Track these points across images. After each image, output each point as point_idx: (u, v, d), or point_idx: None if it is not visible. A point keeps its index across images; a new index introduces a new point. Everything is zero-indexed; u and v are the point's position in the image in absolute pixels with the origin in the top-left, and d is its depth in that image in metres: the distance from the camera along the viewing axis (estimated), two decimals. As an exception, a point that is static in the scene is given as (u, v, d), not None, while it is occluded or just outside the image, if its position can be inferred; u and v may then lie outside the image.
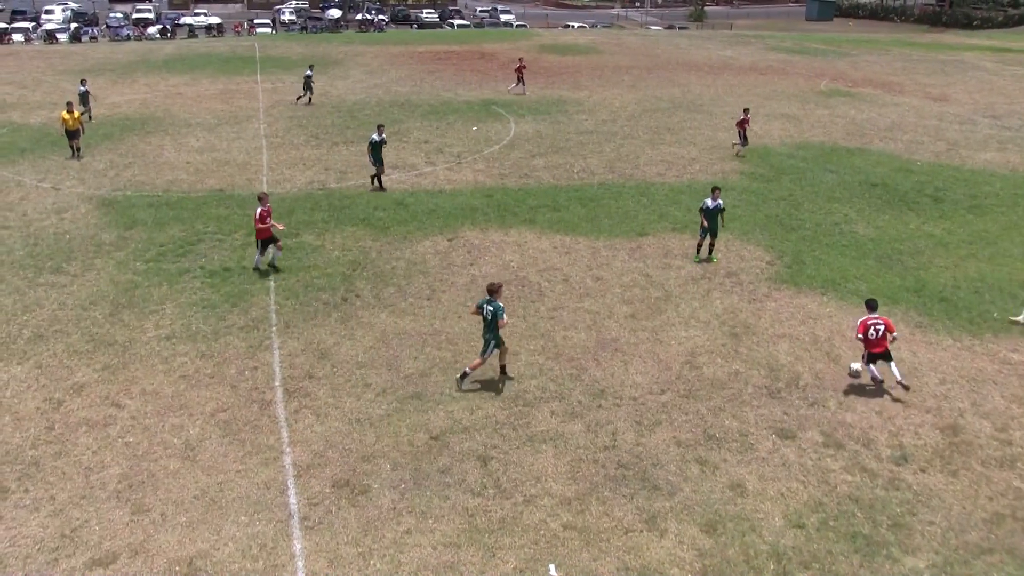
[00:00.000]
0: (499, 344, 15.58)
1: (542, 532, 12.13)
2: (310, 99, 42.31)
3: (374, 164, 27.43)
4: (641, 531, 12.21)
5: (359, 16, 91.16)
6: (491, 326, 15.32)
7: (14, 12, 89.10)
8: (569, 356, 17.02)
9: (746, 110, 33.43)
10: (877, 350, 15.43)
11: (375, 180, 27.87)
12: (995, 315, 19.24)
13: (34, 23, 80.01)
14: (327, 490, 12.95)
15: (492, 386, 15.81)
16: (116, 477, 13.20)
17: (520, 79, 45.54)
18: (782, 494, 13.06)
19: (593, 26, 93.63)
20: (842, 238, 23.93)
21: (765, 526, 12.35)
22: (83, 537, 11.93)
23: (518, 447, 14.07)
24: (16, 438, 14.21)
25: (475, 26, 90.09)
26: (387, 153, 27.82)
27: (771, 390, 15.95)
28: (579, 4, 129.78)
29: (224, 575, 11.26)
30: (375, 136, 27.17)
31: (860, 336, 15.41)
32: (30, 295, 19.66)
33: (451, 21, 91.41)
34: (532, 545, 11.87)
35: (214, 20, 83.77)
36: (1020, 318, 18.85)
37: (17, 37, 71.79)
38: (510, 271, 21.08)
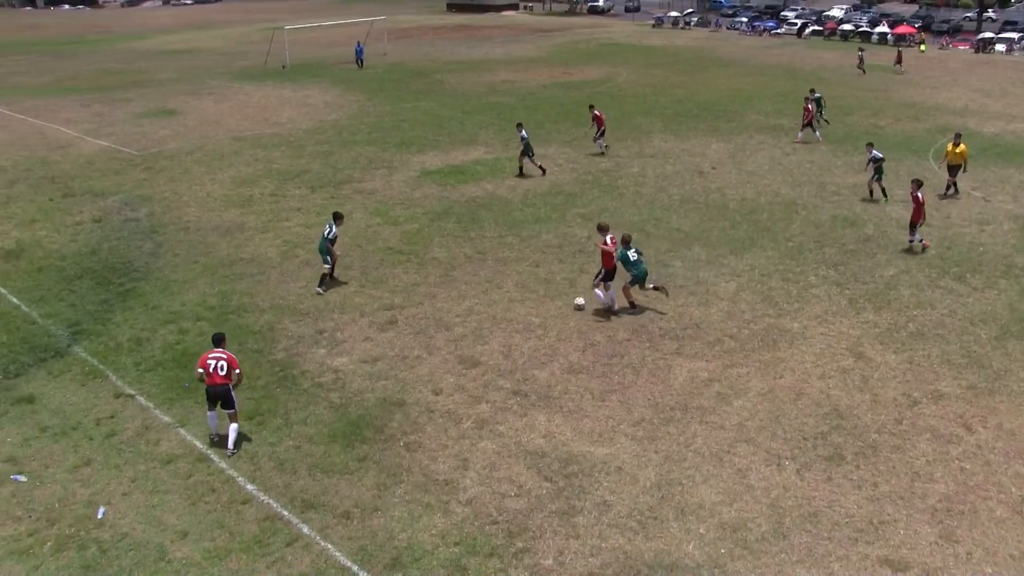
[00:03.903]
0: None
1: None
2: None
3: (530, 159, 30.52)
4: None
5: None
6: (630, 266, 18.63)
7: (1006, 23, 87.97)
8: None
9: None
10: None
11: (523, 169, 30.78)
12: None
13: (1021, 35, 77.80)
14: None
15: None
16: (938, 495, 12.97)
17: None
18: None
19: None
20: None
21: None
22: (886, 533, 12.12)
23: None
24: (868, 417, 15.02)
25: None
26: None
27: None
28: None
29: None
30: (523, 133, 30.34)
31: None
32: (927, 294, 20.19)
33: None
34: None
35: None
36: None
37: (999, 47, 71.51)
38: None
